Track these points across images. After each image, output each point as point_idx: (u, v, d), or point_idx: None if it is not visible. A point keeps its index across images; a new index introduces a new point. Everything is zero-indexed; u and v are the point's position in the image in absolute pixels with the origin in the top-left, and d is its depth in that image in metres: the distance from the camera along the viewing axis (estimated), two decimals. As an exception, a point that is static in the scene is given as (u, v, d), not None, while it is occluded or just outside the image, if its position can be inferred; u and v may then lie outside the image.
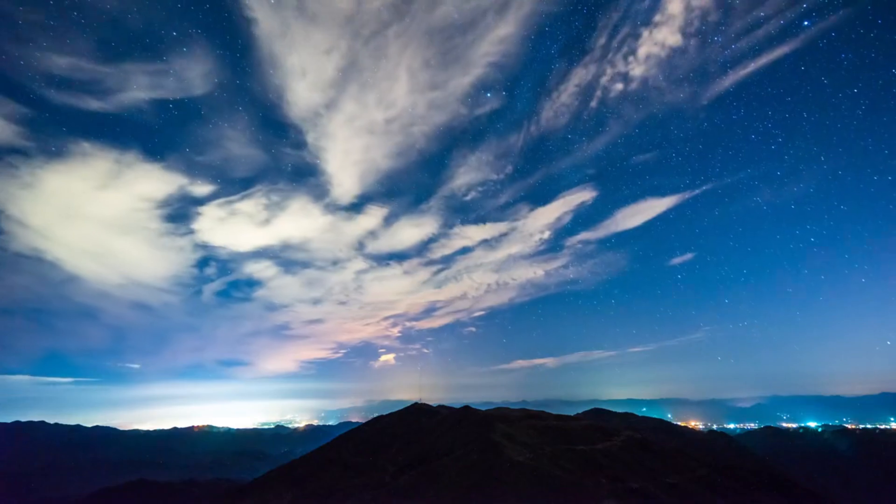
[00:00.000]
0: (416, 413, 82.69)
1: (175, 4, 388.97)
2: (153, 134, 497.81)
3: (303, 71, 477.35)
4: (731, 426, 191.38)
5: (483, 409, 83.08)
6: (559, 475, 48.59)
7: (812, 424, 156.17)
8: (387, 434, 74.23)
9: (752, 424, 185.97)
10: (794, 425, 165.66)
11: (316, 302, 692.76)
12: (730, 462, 66.61)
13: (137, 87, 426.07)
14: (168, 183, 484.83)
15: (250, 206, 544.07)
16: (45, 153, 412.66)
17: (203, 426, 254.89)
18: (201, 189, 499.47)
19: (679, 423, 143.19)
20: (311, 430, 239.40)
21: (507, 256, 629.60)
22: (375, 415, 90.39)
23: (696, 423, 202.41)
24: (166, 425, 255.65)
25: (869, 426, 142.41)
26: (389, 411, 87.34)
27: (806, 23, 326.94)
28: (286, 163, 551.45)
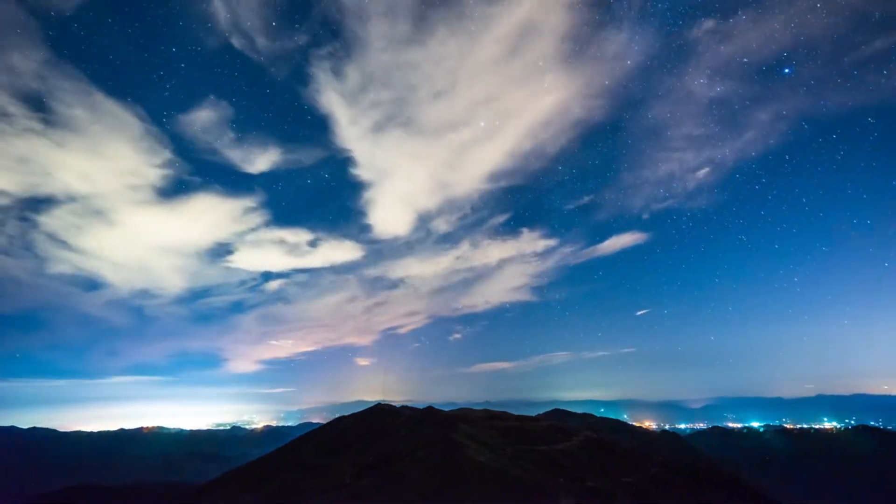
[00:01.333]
0: (379, 414, 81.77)
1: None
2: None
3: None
4: (683, 426, 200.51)
5: (446, 409, 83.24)
6: (520, 475, 49.25)
7: (755, 424, 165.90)
8: (348, 435, 73.00)
9: (702, 424, 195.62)
10: (739, 425, 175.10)
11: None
12: (681, 461, 69.64)
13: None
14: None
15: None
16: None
17: (153, 427, 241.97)
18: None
19: (635, 424, 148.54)
20: (269, 432, 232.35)
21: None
22: (337, 415, 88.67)
23: (650, 424, 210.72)
24: (112, 426, 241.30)
25: (805, 426, 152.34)
26: (352, 412, 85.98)
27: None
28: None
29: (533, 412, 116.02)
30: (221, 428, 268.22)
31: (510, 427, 70.41)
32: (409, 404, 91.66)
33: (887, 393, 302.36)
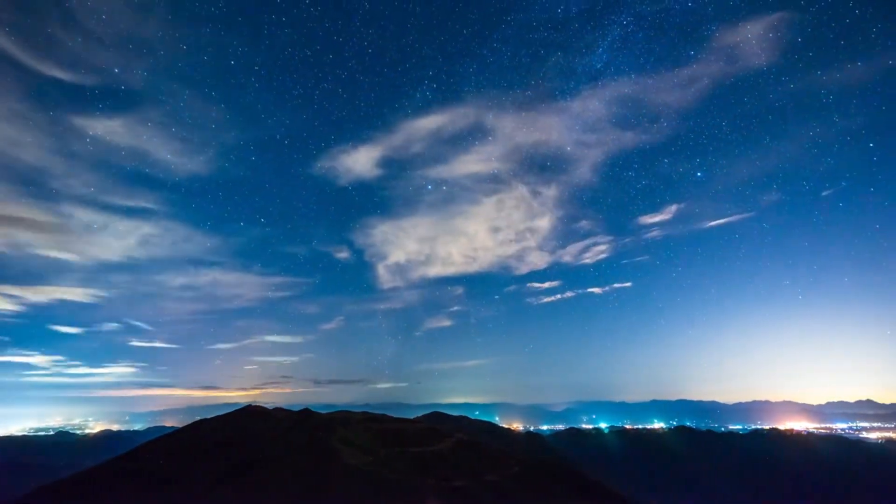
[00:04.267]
0: (248, 416, 75.86)
1: None
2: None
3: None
4: (545, 428, 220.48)
5: (325, 411, 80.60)
6: (391, 477, 49.87)
7: (603, 426, 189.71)
8: (208, 440, 66.31)
9: (561, 426, 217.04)
10: (591, 427, 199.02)
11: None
12: (540, 459, 76.56)
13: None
14: None
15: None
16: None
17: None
18: None
19: (504, 426, 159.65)
20: (107, 437, 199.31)
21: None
22: (197, 418, 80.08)
23: (518, 426, 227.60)
24: None
25: (640, 427, 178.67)
26: (216, 414, 78.47)
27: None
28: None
29: (412, 415, 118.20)
30: (43, 434, 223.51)
31: (387, 429, 70.84)
32: (284, 406, 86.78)
33: (703, 399, 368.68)
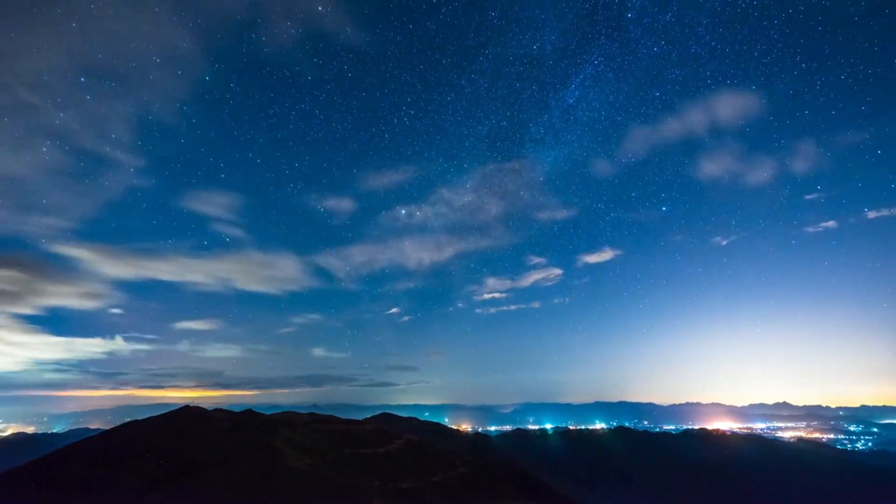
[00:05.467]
0: (185, 418, 71.77)
1: None
2: None
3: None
4: (493, 429, 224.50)
5: (268, 412, 77.88)
6: (337, 480, 49.13)
7: (548, 426, 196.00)
8: (139, 443, 62.11)
9: (508, 427, 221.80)
10: (536, 427, 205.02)
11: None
12: (486, 460, 78.12)
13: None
14: None
15: None
16: None
17: None
18: None
19: (453, 427, 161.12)
20: (22, 441, 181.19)
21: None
22: (127, 420, 74.85)
23: (467, 426, 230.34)
24: None
25: (583, 427, 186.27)
26: (148, 415, 73.68)
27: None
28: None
29: (361, 416, 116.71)
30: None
31: (335, 431, 69.61)
32: (224, 407, 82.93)
33: (642, 400, 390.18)
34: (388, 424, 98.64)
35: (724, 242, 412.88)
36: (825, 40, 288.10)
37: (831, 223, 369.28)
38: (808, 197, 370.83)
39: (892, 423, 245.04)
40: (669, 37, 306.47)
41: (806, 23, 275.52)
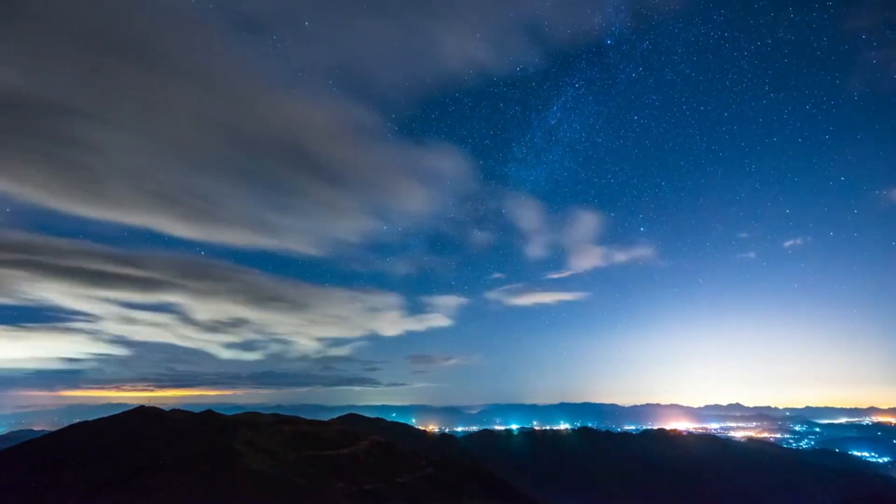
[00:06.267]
0: (139, 419, 68.64)
1: None
2: None
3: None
4: (460, 429, 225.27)
5: (229, 413, 75.49)
6: (299, 482, 48.15)
7: (513, 427, 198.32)
8: (87, 445, 58.93)
9: (475, 427, 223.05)
10: (502, 428, 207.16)
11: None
12: (452, 460, 78.27)
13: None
14: None
15: None
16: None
17: None
18: None
19: (420, 427, 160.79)
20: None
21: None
22: (76, 421, 70.87)
23: (434, 427, 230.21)
24: None
25: (548, 427, 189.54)
26: (99, 416, 70.07)
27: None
28: None
29: (327, 417, 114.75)
30: None
31: (299, 432, 68.11)
32: (182, 407, 79.83)
33: (605, 401, 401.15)
34: (355, 425, 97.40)
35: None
36: (791, 72, 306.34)
37: (798, 240, 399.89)
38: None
39: (833, 423, 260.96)
40: (647, 64, 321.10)
41: (773, 55, 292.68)
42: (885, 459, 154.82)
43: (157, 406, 74.33)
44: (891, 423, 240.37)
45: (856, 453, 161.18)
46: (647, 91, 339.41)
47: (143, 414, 70.18)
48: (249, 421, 67.65)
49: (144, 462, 51.49)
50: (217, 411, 74.46)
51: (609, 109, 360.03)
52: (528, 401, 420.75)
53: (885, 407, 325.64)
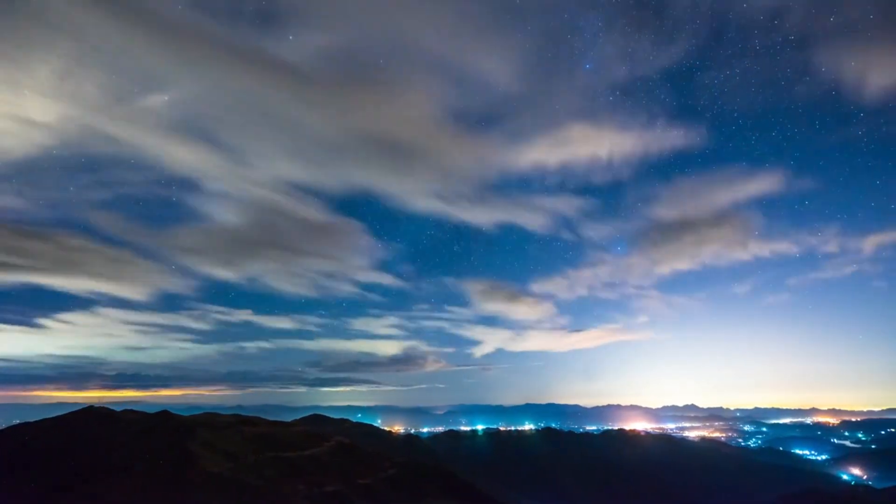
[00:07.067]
0: (87, 420, 65.29)
1: None
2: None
3: None
4: (426, 430, 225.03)
5: (187, 414, 72.98)
6: (258, 484, 47.26)
7: (479, 427, 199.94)
8: (31, 448, 55.72)
9: (441, 428, 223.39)
10: (468, 428, 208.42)
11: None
12: (415, 461, 78.40)
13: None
14: None
15: None
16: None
17: None
18: None
19: (386, 428, 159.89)
20: None
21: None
22: (16, 422, 66.75)
23: (399, 428, 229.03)
24: None
25: (513, 428, 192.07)
26: (43, 417, 66.30)
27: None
28: None
29: (290, 417, 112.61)
30: None
31: (260, 433, 66.70)
32: (135, 408, 76.41)
33: (569, 402, 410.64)
34: (318, 426, 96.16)
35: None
36: (758, 99, 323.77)
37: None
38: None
39: (779, 423, 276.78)
40: (623, 89, 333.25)
41: (742, 84, 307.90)
42: (824, 457, 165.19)
43: (107, 406, 71.02)
44: (829, 423, 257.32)
45: (798, 451, 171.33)
46: (624, 114, 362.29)
47: (92, 415, 66.88)
48: (207, 422, 65.73)
49: (91, 465, 49.16)
50: (174, 412, 71.89)
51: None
52: (494, 402, 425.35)
53: (825, 408, 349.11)
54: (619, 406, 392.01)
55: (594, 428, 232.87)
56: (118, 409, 72.83)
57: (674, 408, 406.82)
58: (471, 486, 73.10)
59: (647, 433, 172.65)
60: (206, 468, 46.83)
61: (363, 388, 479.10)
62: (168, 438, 56.30)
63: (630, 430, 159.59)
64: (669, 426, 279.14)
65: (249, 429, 67.41)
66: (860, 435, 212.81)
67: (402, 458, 74.40)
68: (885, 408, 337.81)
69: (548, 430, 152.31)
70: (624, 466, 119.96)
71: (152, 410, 73.15)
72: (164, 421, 64.88)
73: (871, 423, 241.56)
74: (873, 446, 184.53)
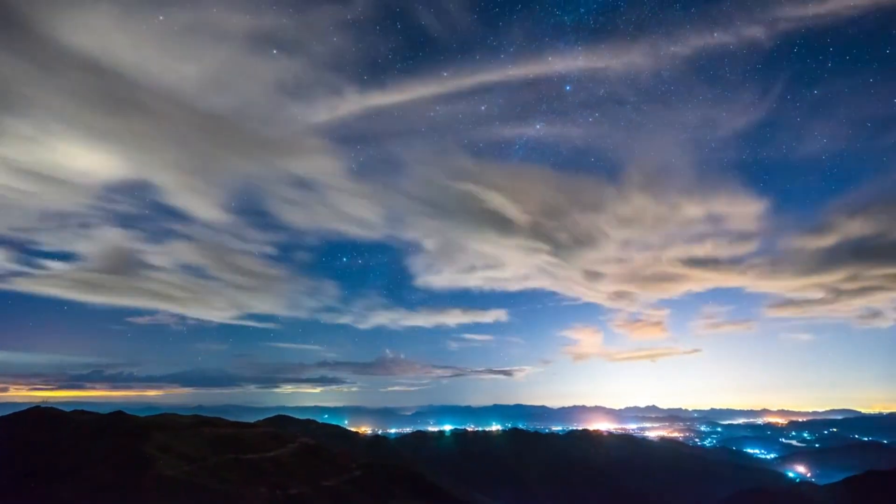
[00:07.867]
0: (32, 420, 61.57)
1: None
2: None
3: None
4: (393, 431, 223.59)
5: (143, 415, 69.90)
6: (217, 488, 45.73)
7: (447, 428, 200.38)
8: (-33, 451, 52.10)
9: (409, 429, 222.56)
10: (436, 429, 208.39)
11: None
12: (382, 462, 77.82)
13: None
14: None
15: None
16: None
17: None
18: None
19: (353, 429, 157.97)
20: None
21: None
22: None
23: (367, 429, 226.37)
24: None
25: (480, 429, 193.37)
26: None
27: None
28: None
29: (253, 418, 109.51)
30: None
31: (221, 435, 64.56)
32: (87, 408, 72.56)
33: (536, 403, 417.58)
34: (282, 427, 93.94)
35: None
36: (734, 122, 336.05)
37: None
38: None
39: (732, 424, 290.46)
40: (603, 109, 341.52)
41: (717, 106, 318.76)
42: (773, 455, 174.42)
43: (55, 407, 67.21)
44: (779, 424, 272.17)
45: (749, 450, 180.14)
46: (603, 135, 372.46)
47: (38, 415, 63.14)
48: (163, 423, 63.12)
49: (34, 469, 46.37)
50: (128, 412, 68.70)
51: (567, 151, 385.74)
52: (463, 402, 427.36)
53: (775, 409, 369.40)
54: (584, 407, 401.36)
55: (560, 428, 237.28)
56: (68, 409, 69.19)
57: (636, 409, 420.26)
58: (436, 486, 73.16)
59: (610, 433, 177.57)
60: (161, 471, 44.96)
61: (332, 387, 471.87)
62: (121, 441, 53.74)
63: (594, 431, 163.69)
64: (632, 426, 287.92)
65: (209, 430, 65.18)
66: (805, 434, 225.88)
67: (368, 460, 73.74)
68: (828, 409, 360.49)
69: (514, 430, 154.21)
70: (587, 465, 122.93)
71: (105, 411, 69.83)
72: (117, 422, 61.90)
73: (816, 424, 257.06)
74: (817, 445, 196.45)
